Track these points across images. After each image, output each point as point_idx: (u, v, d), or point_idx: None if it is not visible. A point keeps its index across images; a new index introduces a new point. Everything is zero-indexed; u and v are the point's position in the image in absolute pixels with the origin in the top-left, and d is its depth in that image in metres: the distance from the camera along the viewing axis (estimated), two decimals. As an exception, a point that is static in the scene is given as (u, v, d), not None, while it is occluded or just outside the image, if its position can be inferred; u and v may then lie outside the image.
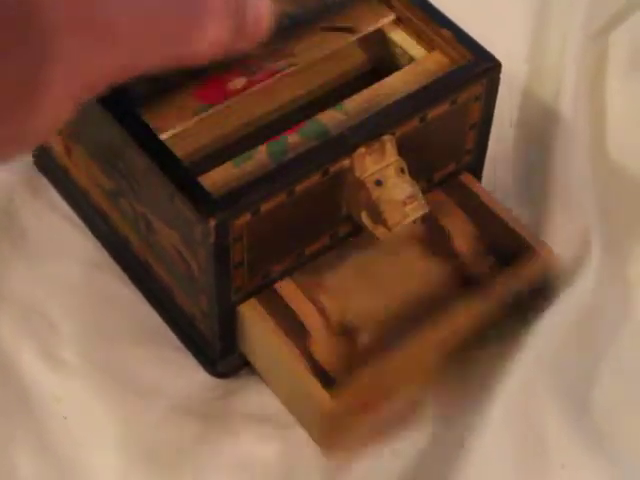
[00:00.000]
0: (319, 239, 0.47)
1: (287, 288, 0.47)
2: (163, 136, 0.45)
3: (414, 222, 0.46)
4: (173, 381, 0.50)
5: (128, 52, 0.37)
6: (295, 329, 0.47)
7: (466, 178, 0.51)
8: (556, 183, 0.56)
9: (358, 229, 0.48)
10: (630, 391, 0.49)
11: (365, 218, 0.46)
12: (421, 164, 0.48)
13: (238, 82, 0.47)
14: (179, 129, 0.46)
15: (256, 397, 0.50)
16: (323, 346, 0.47)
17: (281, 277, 0.47)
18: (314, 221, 0.46)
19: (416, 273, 0.51)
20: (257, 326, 0.47)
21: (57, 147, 0.54)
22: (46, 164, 0.56)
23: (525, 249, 0.49)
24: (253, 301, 0.47)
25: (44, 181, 0.56)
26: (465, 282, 0.50)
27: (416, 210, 0.46)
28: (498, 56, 0.48)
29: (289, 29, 0.48)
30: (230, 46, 0.40)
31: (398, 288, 0.50)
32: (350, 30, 0.49)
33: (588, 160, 0.56)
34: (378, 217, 0.45)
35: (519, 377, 0.47)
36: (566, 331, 0.49)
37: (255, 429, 0.48)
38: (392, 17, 0.50)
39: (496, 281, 0.48)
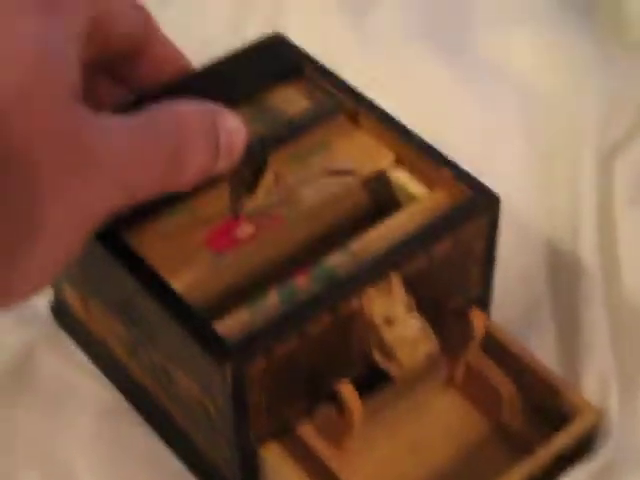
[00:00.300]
0: (335, 379, 0.48)
1: (308, 431, 0.48)
2: (176, 285, 0.46)
3: (428, 359, 0.47)
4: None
5: (115, 183, 0.38)
6: (322, 474, 0.47)
7: (499, 333, 0.52)
8: (566, 327, 0.56)
9: (373, 367, 0.48)
10: None
11: (377, 356, 0.47)
12: (428, 299, 0.49)
13: (246, 229, 0.49)
14: (192, 278, 0.47)
15: None
16: None
17: (299, 417, 0.48)
18: (328, 361, 0.47)
19: (451, 427, 0.52)
20: (281, 471, 0.47)
21: (74, 300, 0.55)
22: (64, 317, 0.57)
23: (569, 407, 0.50)
24: (274, 445, 0.48)
25: (62, 335, 0.58)
26: (505, 441, 0.51)
27: (427, 347, 0.47)
28: (500, 190, 0.49)
29: (260, 151, 0.50)
30: (211, 169, 0.43)
31: (436, 448, 0.51)
32: (351, 173, 0.51)
33: (602, 300, 0.56)
34: (390, 355, 0.46)
35: None
36: None
37: None
38: (391, 157, 0.51)
39: (544, 444, 0.49)
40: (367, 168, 0.51)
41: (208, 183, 0.47)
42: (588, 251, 0.58)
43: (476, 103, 0.66)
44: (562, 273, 0.58)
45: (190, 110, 0.42)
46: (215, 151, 0.42)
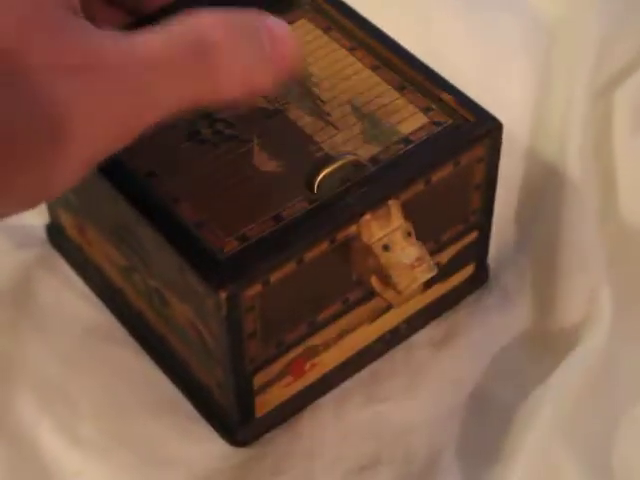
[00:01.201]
0: (331, 305, 0.48)
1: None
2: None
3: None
4: (192, 452, 0.50)
5: (138, 94, 0.36)
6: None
7: None
8: (563, 245, 0.56)
9: (369, 294, 0.48)
10: None
11: (375, 283, 0.46)
12: (428, 226, 0.48)
13: None
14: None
15: (276, 465, 0.50)
16: None
17: (295, 345, 0.48)
18: (325, 288, 0.47)
19: None
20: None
21: (70, 226, 0.55)
22: (60, 242, 0.57)
23: None
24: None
25: (59, 258, 0.57)
26: None
27: (425, 273, 0.46)
28: (501, 117, 0.48)
29: None
30: (261, 80, 0.38)
31: None
32: None
33: (596, 222, 0.56)
34: (387, 281, 0.46)
35: (536, 438, 0.47)
36: (580, 391, 0.49)
37: None
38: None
39: None
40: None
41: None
42: (585, 178, 0.58)
43: (477, 31, 0.65)
44: (557, 198, 0.58)
45: (221, 15, 0.37)
46: (261, 56, 0.37)
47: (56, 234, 0.57)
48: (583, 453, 0.48)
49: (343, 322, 0.49)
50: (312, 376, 0.50)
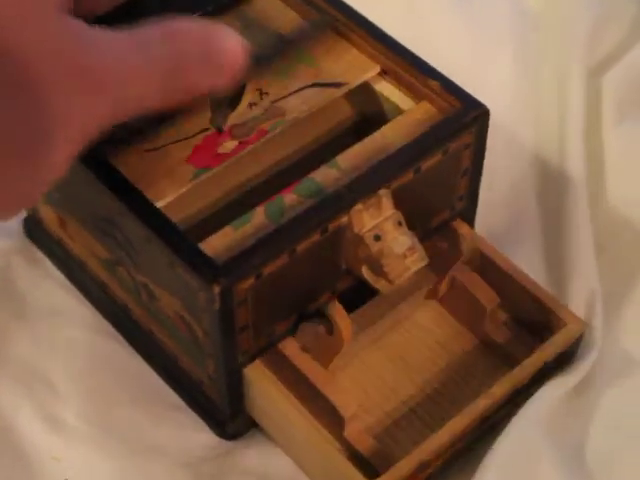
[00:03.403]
0: (321, 296, 0.47)
1: (294, 349, 0.47)
2: (159, 204, 0.45)
3: (415, 274, 0.46)
4: (175, 440, 0.50)
5: (111, 96, 0.37)
6: (305, 391, 0.47)
7: (487, 248, 0.51)
8: (554, 234, 0.56)
9: (358, 283, 0.48)
10: (626, 446, 0.49)
11: (366, 272, 0.46)
12: (417, 214, 0.48)
13: (229, 145, 0.47)
14: (175, 196, 0.46)
15: (260, 456, 0.50)
16: (354, 427, 0.47)
17: (285, 335, 0.48)
18: (315, 279, 0.47)
19: (437, 341, 0.51)
20: (266, 389, 0.47)
21: (49, 219, 0.54)
22: (38, 235, 0.56)
23: (553, 319, 0.50)
24: (259, 363, 0.47)
25: (37, 250, 0.56)
26: (490, 353, 0.51)
27: (416, 262, 0.46)
28: (489, 103, 0.48)
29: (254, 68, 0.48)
30: (211, 86, 0.41)
31: (421, 362, 0.50)
32: (337, 85, 0.49)
33: (587, 209, 0.56)
34: (379, 271, 0.46)
35: (514, 432, 0.48)
36: (563, 394, 0.50)
37: None
38: (377, 69, 0.50)
39: (530, 354, 0.48)
40: (353, 80, 0.49)
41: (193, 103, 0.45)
42: (575, 165, 0.58)
43: (466, 16, 0.65)
44: (549, 188, 0.58)
45: (189, 27, 0.40)
46: (216, 69, 0.41)
47: (34, 228, 0.56)
48: (559, 446, 0.48)
49: None
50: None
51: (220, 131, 0.47)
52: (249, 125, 0.48)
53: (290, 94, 0.48)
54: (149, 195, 0.45)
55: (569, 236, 0.55)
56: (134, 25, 0.38)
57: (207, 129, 0.47)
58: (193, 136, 0.47)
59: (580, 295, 0.53)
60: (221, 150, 0.47)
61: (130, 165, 0.46)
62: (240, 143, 0.47)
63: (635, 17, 0.65)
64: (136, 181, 0.45)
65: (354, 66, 0.50)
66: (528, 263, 0.54)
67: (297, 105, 0.48)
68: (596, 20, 0.64)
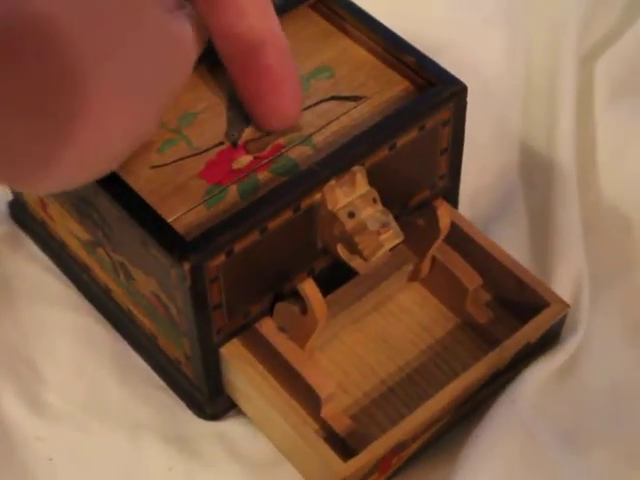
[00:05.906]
0: (297, 275, 0.47)
1: (270, 329, 0.47)
2: (170, 219, 0.44)
3: (390, 250, 0.46)
4: (158, 419, 0.50)
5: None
6: (282, 372, 0.47)
7: (464, 224, 0.51)
8: (542, 218, 0.55)
9: (335, 263, 0.47)
10: (614, 424, 0.49)
11: (341, 250, 0.46)
12: (394, 192, 0.48)
13: (243, 160, 0.46)
14: (184, 211, 0.45)
15: (243, 436, 0.50)
16: (331, 408, 0.46)
17: (261, 316, 0.47)
18: (290, 257, 0.46)
19: (418, 322, 0.51)
20: (241, 368, 0.47)
21: (33, 202, 0.54)
22: (23, 217, 0.56)
23: (535, 299, 0.49)
24: (236, 342, 0.47)
25: (23, 234, 0.56)
26: (473, 334, 0.50)
27: (391, 239, 0.45)
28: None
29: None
30: None
31: (403, 342, 0.50)
32: (356, 99, 0.48)
33: (575, 193, 0.55)
34: (353, 249, 0.45)
35: (500, 414, 0.47)
36: (549, 375, 0.49)
37: (244, 468, 0.48)
38: (405, 84, 0.49)
39: (511, 336, 0.48)
40: (374, 95, 0.48)
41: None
42: (564, 150, 0.57)
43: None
44: (538, 172, 0.58)
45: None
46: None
47: (19, 211, 0.56)
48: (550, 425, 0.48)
49: None
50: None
51: (235, 146, 0.47)
52: (264, 140, 0.47)
53: (306, 109, 0.48)
54: (156, 208, 0.44)
55: (556, 219, 0.54)
56: None
57: (222, 143, 0.47)
58: (206, 150, 0.47)
59: (567, 276, 0.52)
60: (235, 165, 0.46)
61: (138, 176, 0.45)
62: (255, 158, 0.46)
63: (627, 2, 0.64)
64: (147, 196, 0.44)
65: (373, 77, 0.49)
66: (516, 246, 0.53)
67: (313, 120, 0.47)
68: (587, 5, 0.63)
